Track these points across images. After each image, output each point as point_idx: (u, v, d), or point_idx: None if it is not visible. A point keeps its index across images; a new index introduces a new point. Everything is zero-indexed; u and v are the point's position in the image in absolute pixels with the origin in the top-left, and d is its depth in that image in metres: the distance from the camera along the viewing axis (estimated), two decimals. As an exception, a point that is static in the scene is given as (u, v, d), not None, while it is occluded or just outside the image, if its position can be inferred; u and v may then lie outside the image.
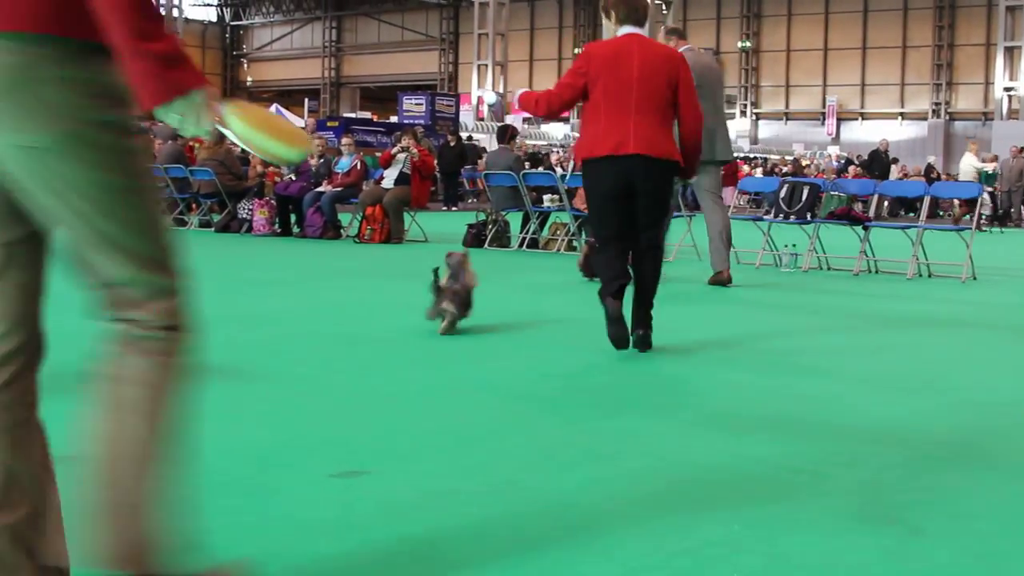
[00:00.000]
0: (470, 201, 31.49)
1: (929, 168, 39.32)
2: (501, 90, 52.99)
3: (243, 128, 2.64)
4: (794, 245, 13.74)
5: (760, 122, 66.08)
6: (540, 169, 19.17)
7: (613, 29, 7.31)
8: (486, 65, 54.02)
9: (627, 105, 6.92)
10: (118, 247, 2.51)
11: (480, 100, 52.31)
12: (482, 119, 50.34)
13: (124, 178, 2.49)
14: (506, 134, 17.57)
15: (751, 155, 48.79)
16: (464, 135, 38.18)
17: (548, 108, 7.39)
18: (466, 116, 48.42)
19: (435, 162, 28.37)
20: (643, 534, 3.55)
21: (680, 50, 8.76)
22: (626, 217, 7.06)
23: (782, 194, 14.34)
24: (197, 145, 22.47)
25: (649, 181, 6.97)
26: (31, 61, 2.34)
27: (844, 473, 4.34)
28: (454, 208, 28.87)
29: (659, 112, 7.00)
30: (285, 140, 2.71)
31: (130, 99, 2.44)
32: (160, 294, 2.57)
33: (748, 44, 65.30)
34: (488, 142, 45.78)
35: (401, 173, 16.90)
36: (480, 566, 3.25)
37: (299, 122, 40.31)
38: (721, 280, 11.60)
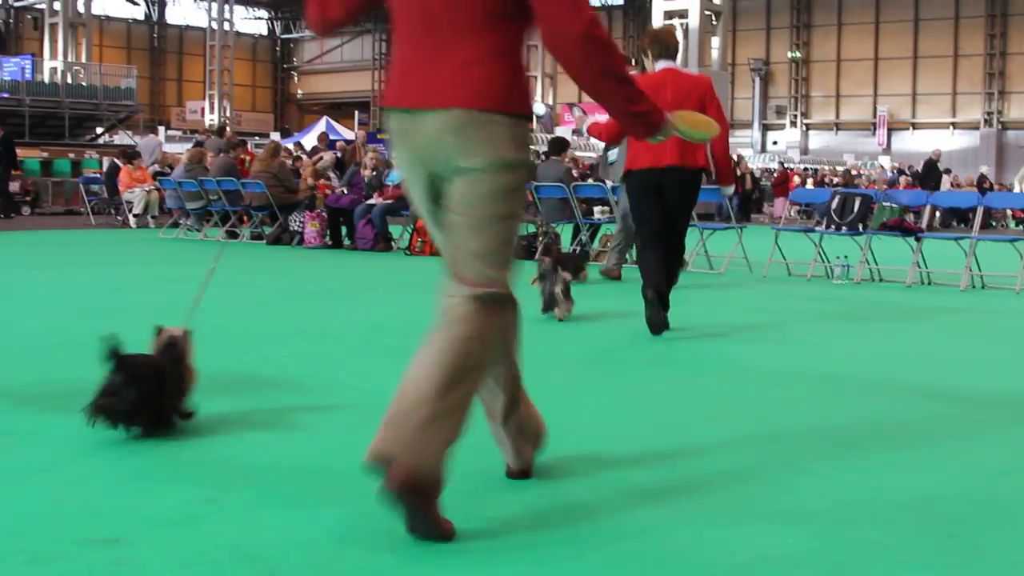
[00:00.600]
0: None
1: (982, 178, 39.06)
2: (551, 102, 53.09)
3: (683, 128, 4.38)
4: (846, 257, 13.67)
5: (810, 132, 65.81)
6: (590, 180, 19.14)
7: (651, 65, 8.64)
8: (535, 76, 54.07)
9: None
10: (487, 245, 3.71)
11: (530, 112, 52.32)
12: (532, 131, 50.39)
13: (514, 199, 3.78)
14: (558, 146, 17.56)
15: (801, 166, 48.54)
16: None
17: (608, 136, 9.10)
18: (515, 128, 48.49)
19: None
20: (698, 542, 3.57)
21: None
22: (660, 214, 8.52)
23: (833, 205, 14.28)
24: (248, 158, 22.63)
25: (678, 186, 8.49)
26: (481, 117, 3.68)
27: (898, 486, 4.32)
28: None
29: None
30: (703, 127, 4.74)
31: (529, 146, 3.87)
32: (493, 283, 3.72)
33: (798, 54, 65.11)
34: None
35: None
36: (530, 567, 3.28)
37: (349, 135, 40.52)
38: (612, 274, 13.32)
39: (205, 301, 5.44)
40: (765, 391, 6.33)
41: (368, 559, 3.39)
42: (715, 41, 35.30)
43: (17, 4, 65.56)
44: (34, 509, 3.81)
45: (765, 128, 66.19)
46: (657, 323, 8.30)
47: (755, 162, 46.43)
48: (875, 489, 4.26)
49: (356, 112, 60.02)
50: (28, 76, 43.55)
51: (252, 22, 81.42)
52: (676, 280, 8.80)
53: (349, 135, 41.74)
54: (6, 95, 41.27)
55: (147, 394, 4.77)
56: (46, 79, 44.79)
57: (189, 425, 5.07)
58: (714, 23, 35.20)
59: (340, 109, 73.74)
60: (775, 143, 64.82)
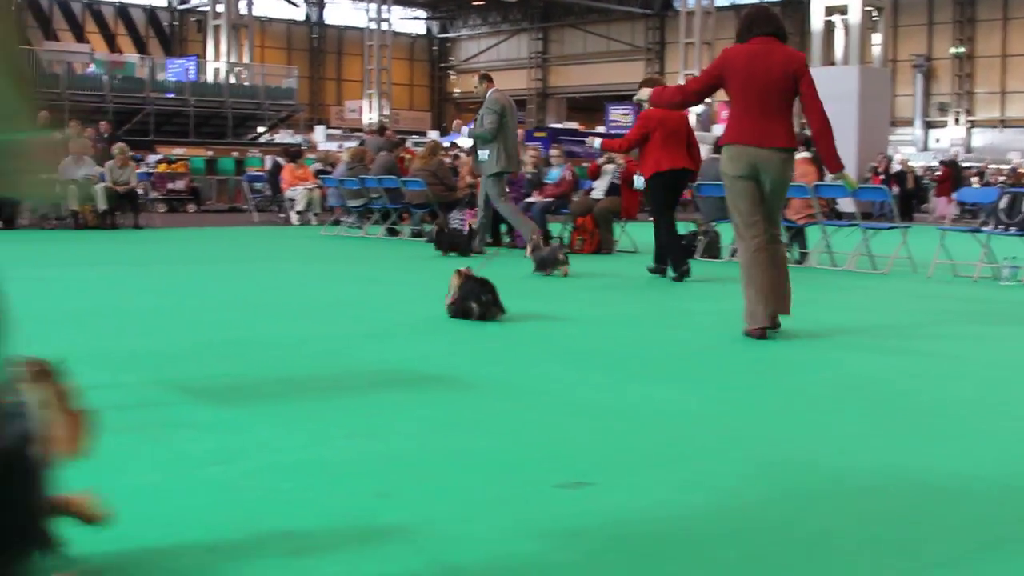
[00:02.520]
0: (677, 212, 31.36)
1: None
2: (708, 100, 52.68)
3: (847, 177, 9.06)
4: (1014, 257, 13.34)
5: (974, 130, 64.41)
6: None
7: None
8: (693, 74, 53.73)
9: None
10: (779, 208, 8.49)
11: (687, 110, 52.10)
12: (689, 129, 50.16)
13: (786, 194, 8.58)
14: (717, 144, 17.45)
15: (965, 164, 47.41)
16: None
17: (617, 150, 14.84)
18: (673, 126, 48.21)
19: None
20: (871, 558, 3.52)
21: (488, 92, 15.73)
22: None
23: (1001, 204, 13.95)
24: (408, 156, 22.85)
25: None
26: (788, 157, 8.31)
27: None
28: (662, 218, 28.73)
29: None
30: (853, 182, 9.59)
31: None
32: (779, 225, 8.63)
33: (962, 50, 63.72)
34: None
35: (611, 184, 16.93)
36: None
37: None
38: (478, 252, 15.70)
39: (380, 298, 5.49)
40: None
41: (544, 555, 3.41)
42: (876, 37, 34.81)
43: (182, 7, 67.14)
44: (213, 500, 3.90)
45: (927, 126, 64.94)
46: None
47: (917, 160, 45.60)
48: None
49: (513, 110, 60.19)
50: (193, 77, 44.56)
51: (410, 22, 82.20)
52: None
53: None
54: (172, 95, 42.22)
55: (491, 294, 8.68)
56: (210, 79, 45.78)
57: (357, 419, 5.16)
58: (875, 19, 34.70)
59: (497, 107, 73.94)
60: (938, 141, 63.55)
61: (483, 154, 15.69)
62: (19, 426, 2.77)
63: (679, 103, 9.26)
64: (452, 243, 15.70)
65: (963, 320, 9.86)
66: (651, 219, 13.63)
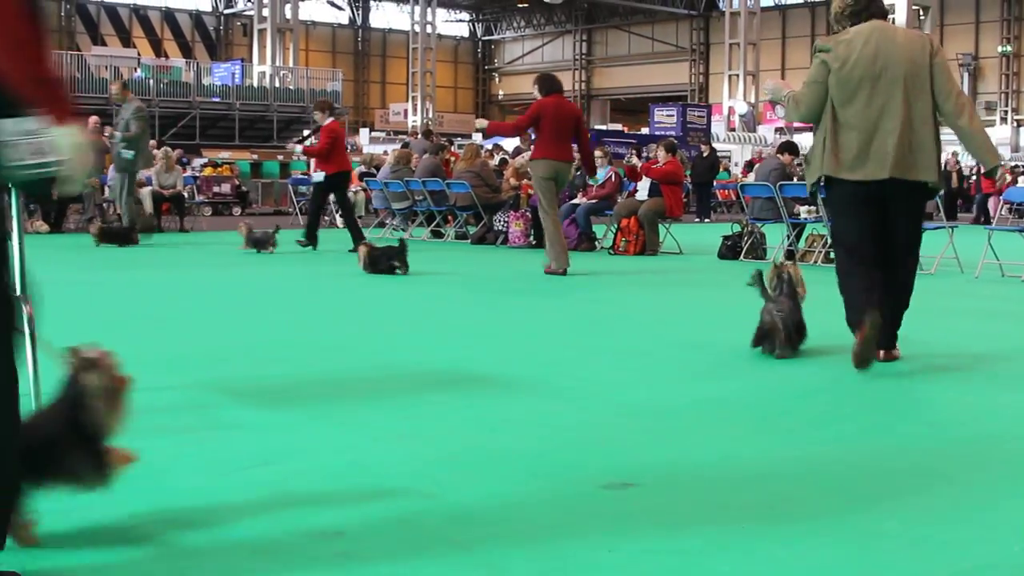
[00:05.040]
0: (721, 212, 31.52)
1: None
2: (753, 100, 52.54)
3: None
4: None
5: (1021, 129, 63.88)
6: (795, 180, 18.96)
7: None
8: (737, 75, 53.64)
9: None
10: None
11: (731, 111, 52.03)
12: (734, 130, 50.06)
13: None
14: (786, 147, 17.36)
15: (1012, 163, 46.99)
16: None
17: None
18: (718, 127, 48.09)
19: (685, 171, 28.39)
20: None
21: (129, 99, 18.25)
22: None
23: (1051, 203, 13.82)
24: (453, 159, 22.90)
25: None
26: (571, 165, 13.75)
27: None
28: (707, 220, 28.73)
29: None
30: None
31: None
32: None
33: (1009, 48, 63.24)
34: (740, 152, 45.34)
35: (653, 184, 16.90)
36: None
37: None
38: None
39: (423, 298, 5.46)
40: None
41: (591, 556, 3.40)
42: (922, 36, 34.56)
43: (227, 12, 67.48)
44: (257, 501, 3.89)
45: (974, 125, 64.34)
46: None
47: (964, 159, 45.29)
48: None
49: (557, 112, 60.20)
50: (238, 81, 44.72)
51: (454, 24, 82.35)
52: None
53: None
54: (217, 99, 42.40)
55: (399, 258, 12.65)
56: (255, 83, 45.91)
57: (403, 420, 5.15)
58: (922, 18, 34.59)
59: (541, 109, 73.91)
60: (984, 140, 62.92)
61: (128, 154, 17.95)
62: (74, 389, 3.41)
63: (513, 133, 16.11)
64: (112, 236, 17.15)
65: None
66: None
